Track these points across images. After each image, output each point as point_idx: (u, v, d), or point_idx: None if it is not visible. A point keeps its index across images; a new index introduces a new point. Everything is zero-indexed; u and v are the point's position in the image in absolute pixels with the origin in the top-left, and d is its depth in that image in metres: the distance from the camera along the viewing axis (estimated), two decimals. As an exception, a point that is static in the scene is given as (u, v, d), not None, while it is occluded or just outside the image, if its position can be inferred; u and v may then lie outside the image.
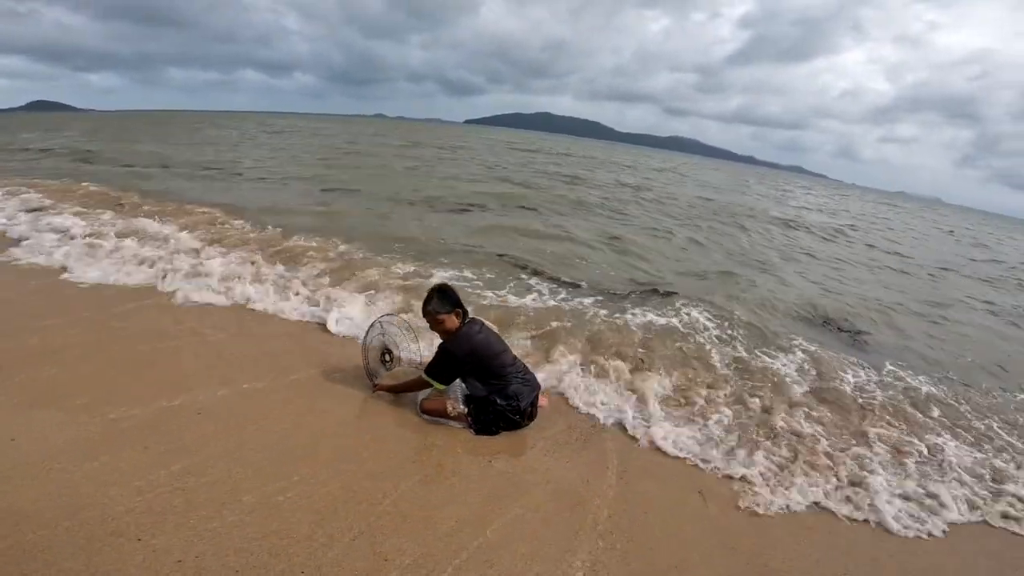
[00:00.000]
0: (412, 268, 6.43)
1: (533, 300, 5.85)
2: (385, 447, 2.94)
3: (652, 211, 14.86)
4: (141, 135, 27.64)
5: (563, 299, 6.01)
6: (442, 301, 3.21)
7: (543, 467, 2.96)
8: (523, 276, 6.78)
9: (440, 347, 3.22)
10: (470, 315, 3.37)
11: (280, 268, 5.86)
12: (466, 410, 3.18)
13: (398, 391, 3.41)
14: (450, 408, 3.19)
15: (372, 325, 3.60)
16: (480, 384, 3.16)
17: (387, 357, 3.71)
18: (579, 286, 6.58)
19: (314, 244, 6.93)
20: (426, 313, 3.25)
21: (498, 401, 3.14)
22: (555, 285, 6.51)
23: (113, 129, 32.77)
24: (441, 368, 3.18)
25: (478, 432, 3.16)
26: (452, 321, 3.22)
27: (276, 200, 10.50)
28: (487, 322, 3.52)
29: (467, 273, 6.58)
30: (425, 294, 3.30)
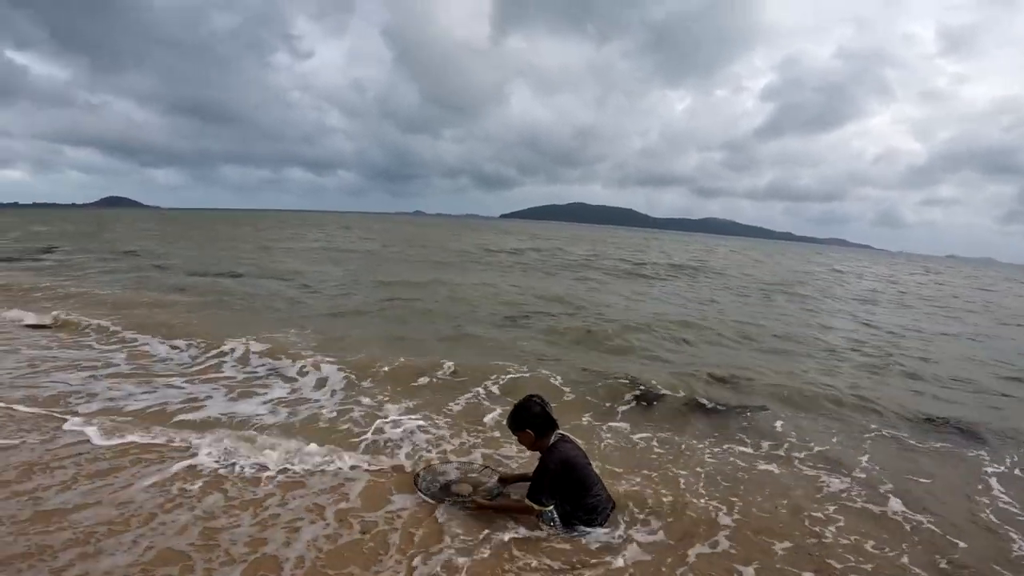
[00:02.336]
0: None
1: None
2: None
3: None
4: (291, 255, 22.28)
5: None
6: (513, 419, 3.34)
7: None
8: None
9: (538, 465, 3.25)
10: (560, 432, 3.35)
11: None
12: (556, 529, 3.17)
13: (500, 510, 3.31)
14: (543, 526, 3.19)
15: (418, 483, 3.57)
16: (569, 507, 3.18)
17: (453, 489, 3.56)
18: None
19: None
20: (506, 425, 3.45)
21: (581, 523, 3.18)
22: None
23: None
24: (539, 484, 3.19)
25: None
26: (525, 439, 3.31)
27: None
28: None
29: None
30: None
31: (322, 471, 3.76)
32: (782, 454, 4.58)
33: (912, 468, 4.44)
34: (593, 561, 2.92)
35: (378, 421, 4.79)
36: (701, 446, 4.62)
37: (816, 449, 4.68)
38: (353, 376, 5.93)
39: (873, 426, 5.35)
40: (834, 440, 4.95)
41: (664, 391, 5.86)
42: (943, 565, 3.11)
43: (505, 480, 3.65)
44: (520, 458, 4.13)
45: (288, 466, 3.79)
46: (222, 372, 6.11)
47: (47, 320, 7.94)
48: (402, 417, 4.89)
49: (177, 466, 3.70)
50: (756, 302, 14.83)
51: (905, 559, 3.14)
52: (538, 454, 3.32)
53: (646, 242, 53.19)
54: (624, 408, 5.50)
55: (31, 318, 7.99)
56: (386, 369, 6.18)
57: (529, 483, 3.35)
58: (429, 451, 4.25)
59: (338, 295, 12.05)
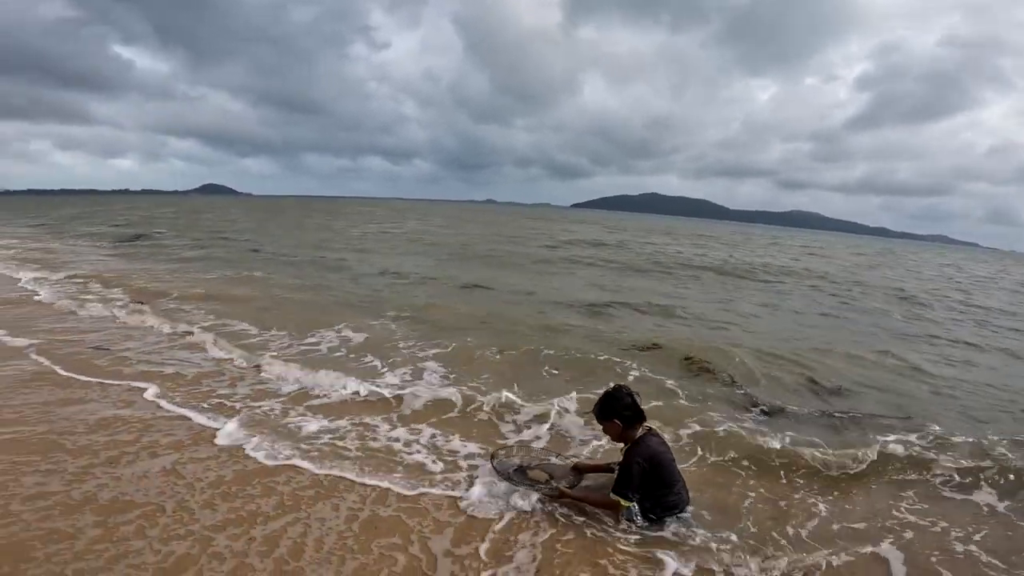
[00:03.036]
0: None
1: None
2: None
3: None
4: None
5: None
6: (601, 408, 3.23)
7: None
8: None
9: (624, 459, 3.14)
10: (647, 424, 3.25)
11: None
12: (640, 523, 3.07)
13: (581, 501, 3.24)
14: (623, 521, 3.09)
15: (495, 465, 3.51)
16: (649, 503, 3.09)
17: (529, 475, 3.50)
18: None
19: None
20: (592, 413, 3.32)
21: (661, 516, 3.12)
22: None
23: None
24: (627, 479, 3.07)
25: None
26: (611, 429, 3.22)
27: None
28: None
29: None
30: None
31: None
32: None
33: None
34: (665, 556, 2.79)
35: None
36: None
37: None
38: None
39: None
40: None
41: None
42: None
43: (580, 469, 3.57)
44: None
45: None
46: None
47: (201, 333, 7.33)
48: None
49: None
50: (961, 327, 10.57)
51: None
52: (619, 446, 3.27)
53: (738, 237, 48.98)
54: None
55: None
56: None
57: (606, 474, 3.42)
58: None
59: (423, 284, 11.80)
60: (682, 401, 5.15)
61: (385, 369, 5.67)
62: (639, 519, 3.07)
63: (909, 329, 9.95)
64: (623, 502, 3.07)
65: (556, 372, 5.90)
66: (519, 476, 3.45)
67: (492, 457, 3.62)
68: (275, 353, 5.97)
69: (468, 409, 4.65)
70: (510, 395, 4.79)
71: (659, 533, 3.03)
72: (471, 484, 3.43)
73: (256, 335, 6.74)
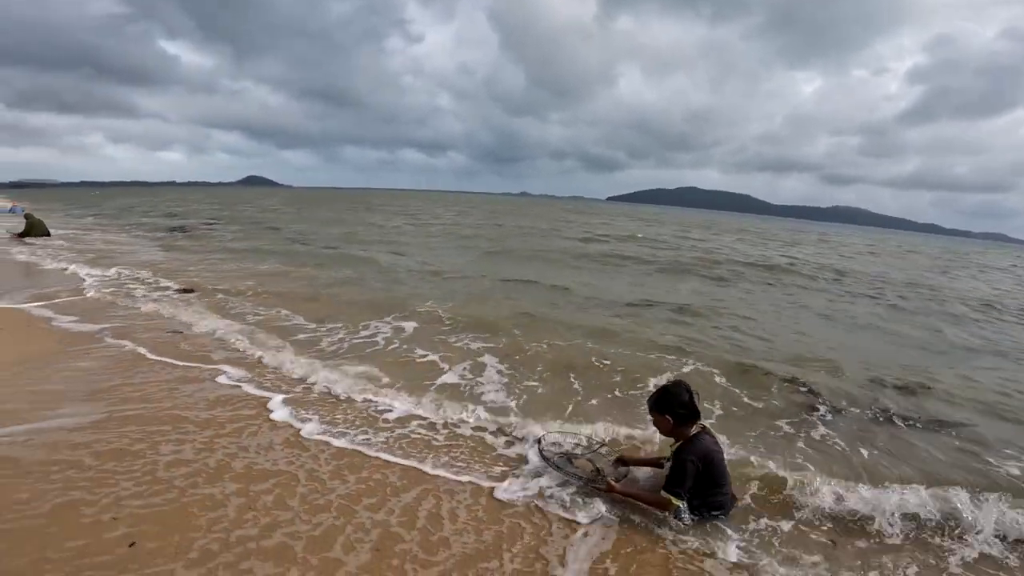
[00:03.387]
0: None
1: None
2: None
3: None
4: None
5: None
6: (657, 401, 3.16)
7: None
8: None
9: (676, 456, 3.07)
10: (703, 424, 3.17)
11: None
12: (688, 519, 3.02)
13: (632, 498, 3.16)
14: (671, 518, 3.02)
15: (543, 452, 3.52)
16: (697, 501, 3.03)
17: (575, 463, 3.48)
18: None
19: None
20: (648, 403, 3.25)
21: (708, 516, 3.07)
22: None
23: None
24: (679, 478, 2.99)
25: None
26: (662, 424, 3.16)
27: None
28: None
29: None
30: None
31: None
32: None
33: None
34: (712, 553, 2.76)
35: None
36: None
37: None
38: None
39: None
40: None
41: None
42: None
43: (625, 462, 3.49)
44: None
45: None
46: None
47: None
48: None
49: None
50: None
51: None
52: (669, 441, 3.23)
53: (785, 234, 46.68)
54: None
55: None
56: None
57: (652, 468, 3.43)
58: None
59: (465, 279, 11.67)
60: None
61: (446, 367, 5.52)
62: (687, 516, 3.02)
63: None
64: (674, 500, 3.00)
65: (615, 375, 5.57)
66: (564, 464, 3.43)
67: (539, 441, 3.64)
68: (342, 347, 6.01)
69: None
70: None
71: (708, 530, 2.99)
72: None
73: (312, 328, 6.70)
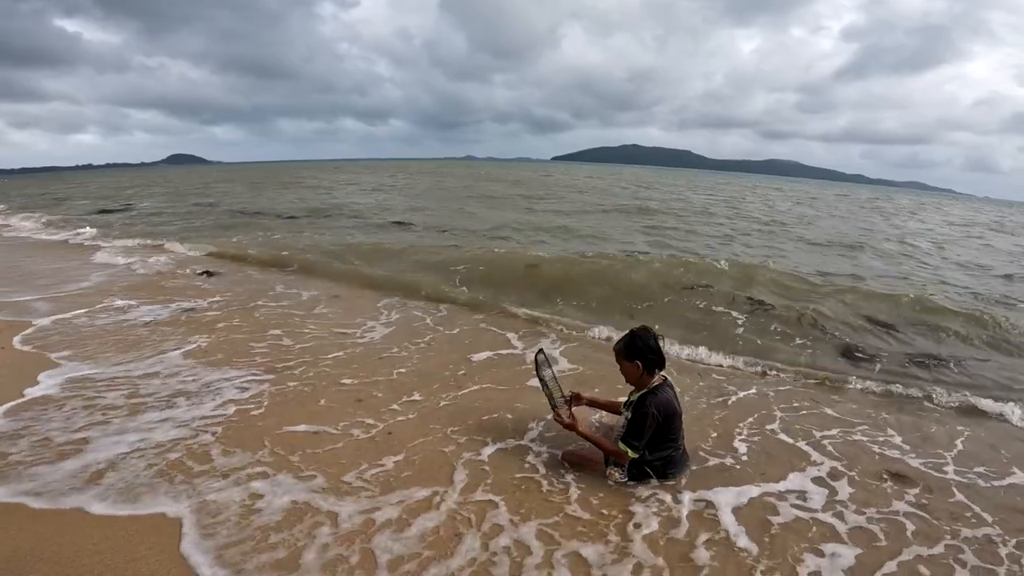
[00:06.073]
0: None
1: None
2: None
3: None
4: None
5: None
6: (627, 346, 2.96)
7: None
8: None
9: (637, 406, 2.92)
10: (664, 375, 3.05)
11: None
12: (625, 480, 2.99)
13: (587, 439, 3.08)
14: (609, 476, 3.01)
15: (537, 358, 3.32)
16: (648, 453, 2.94)
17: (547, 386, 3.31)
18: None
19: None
20: (615, 349, 3.05)
21: (653, 474, 2.98)
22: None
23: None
24: (638, 429, 2.88)
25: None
26: (631, 372, 2.98)
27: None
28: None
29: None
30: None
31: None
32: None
33: None
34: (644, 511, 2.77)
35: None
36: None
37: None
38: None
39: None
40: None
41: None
42: None
43: (580, 399, 3.35)
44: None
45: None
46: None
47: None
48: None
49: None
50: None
51: None
52: (629, 389, 3.11)
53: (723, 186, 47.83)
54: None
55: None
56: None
57: (603, 411, 3.52)
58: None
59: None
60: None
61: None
62: (624, 476, 2.97)
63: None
64: (630, 453, 2.90)
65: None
66: (550, 380, 3.26)
67: (539, 352, 3.35)
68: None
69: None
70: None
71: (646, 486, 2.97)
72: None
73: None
